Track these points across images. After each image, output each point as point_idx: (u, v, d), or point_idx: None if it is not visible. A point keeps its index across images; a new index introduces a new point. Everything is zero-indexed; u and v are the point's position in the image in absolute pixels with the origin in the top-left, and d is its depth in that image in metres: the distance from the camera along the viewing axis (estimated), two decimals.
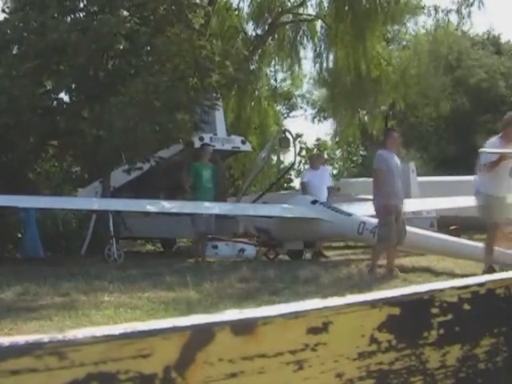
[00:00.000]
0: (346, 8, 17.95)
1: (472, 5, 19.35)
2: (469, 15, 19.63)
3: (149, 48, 13.17)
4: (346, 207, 11.63)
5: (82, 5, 13.29)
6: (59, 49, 12.18)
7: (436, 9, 19.82)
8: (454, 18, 19.85)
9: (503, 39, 32.82)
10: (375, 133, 21.86)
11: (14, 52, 13.01)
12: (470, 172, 9.81)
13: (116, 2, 12.78)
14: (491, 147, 8.32)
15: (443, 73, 20.64)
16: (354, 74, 19.08)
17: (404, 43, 22.28)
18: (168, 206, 12.25)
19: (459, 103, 22.83)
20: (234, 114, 20.13)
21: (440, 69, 20.46)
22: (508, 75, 29.32)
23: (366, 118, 22.74)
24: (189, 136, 13.41)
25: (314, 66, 20.59)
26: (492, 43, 31.74)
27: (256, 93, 21.17)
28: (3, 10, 13.40)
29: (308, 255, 12.43)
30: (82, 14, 13.24)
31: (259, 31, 19.98)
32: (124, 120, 11.93)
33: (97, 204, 12.54)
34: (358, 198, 14.57)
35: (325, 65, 20.29)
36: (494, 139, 8.43)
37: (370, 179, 18.11)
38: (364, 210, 11.55)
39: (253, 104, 21.12)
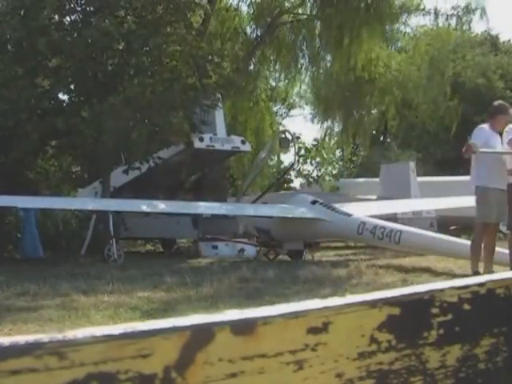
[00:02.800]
0: (343, 8, 17.87)
1: (473, 12, 19.26)
2: (470, 22, 19.57)
3: (147, 48, 13.17)
4: (345, 207, 11.63)
5: (79, 6, 13.26)
6: (57, 50, 12.17)
7: (436, 13, 19.73)
8: (453, 22, 19.75)
9: (502, 39, 32.82)
10: (374, 133, 21.81)
11: (12, 52, 12.98)
12: (469, 172, 9.78)
13: (113, 5, 12.75)
14: (480, 134, 8.29)
15: (441, 76, 20.55)
16: (352, 75, 19.04)
17: (402, 44, 22.20)
18: (167, 206, 12.23)
19: (457, 106, 22.80)
20: (231, 114, 20.08)
21: (438, 73, 20.36)
22: (507, 75, 29.29)
23: (365, 118, 22.67)
24: (185, 138, 13.38)
25: (312, 66, 20.56)
26: (490, 43, 31.71)
27: (254, 93, 21.12)
28: None
29: (308, 256, 12.43)
30: (79, 15, 13.22)
31: (259, 32, 19.96)
32: (120, 121, 11.92)
33: (95, 204, 12.52)
34: (358, 198, 14.59)
35: (322, 64, 20.26)
36: (482, 126, 8.39)
37: (370, 179, 18.22)
38: (364, 210, 11.56)
39: (251, 104, 21.08)
